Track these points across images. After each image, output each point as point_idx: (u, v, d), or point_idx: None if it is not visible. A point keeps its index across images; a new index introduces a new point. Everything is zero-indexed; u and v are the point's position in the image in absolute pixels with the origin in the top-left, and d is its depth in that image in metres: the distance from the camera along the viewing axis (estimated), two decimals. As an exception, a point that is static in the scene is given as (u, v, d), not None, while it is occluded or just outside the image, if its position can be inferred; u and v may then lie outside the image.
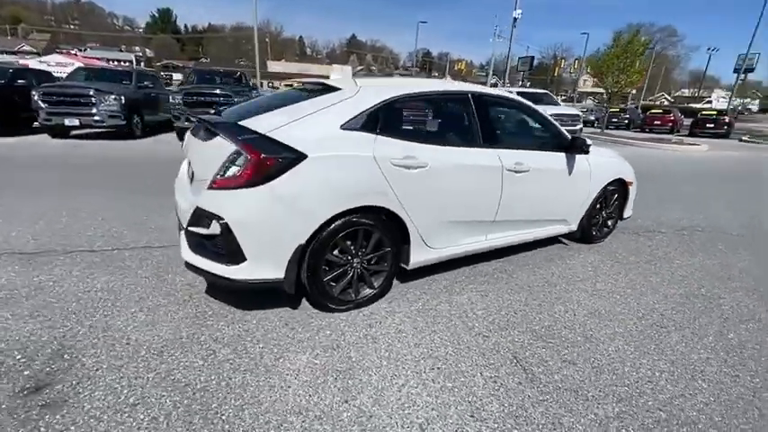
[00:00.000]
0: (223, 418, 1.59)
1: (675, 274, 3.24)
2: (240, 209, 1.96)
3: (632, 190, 3.89)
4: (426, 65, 79.29)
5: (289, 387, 1.78)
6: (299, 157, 2.00)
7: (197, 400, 1.67)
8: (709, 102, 35.85)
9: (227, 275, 2.05)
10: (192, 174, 2.40)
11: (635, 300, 2.78)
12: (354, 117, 2.24)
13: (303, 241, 2.09)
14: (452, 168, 2.52)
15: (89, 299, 2.38)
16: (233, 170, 1.98)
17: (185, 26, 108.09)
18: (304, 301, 2.46)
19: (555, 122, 3.28)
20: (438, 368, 1.96)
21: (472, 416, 1.68)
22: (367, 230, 2.30)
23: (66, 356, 1.88)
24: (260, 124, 2.07)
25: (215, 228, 2.02)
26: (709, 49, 38.62)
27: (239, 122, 2.11)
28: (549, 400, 1.79)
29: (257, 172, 1.94)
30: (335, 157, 2.11)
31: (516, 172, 2.83)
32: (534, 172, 2.93)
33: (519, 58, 37.33)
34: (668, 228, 4.51)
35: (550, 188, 3.16)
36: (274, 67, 53.15)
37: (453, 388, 1.83)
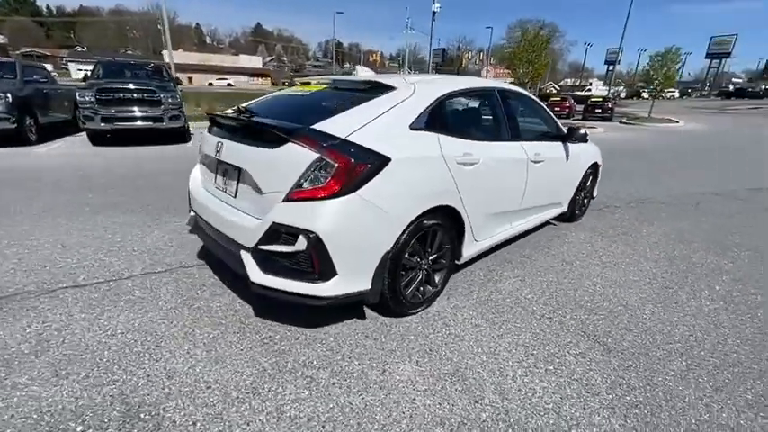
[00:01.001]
0: (373, 445, 1.50)
1: (650, 241, 3.80)
2: (332, 220, 1.81)
3: (599, 172, 4.43)
4: (339, 56, 78.54)
5: (414, 399, 1.73)
6: (384, 161, 1.91)
7: (333, 433, 1.53)
8: (589, 90, 41.72)
9: (315, 294, 1.89)
10: (238, 186, 2.14)
11: (636, 267, 3.21)
12: (418, 116, 2.20)
13: (389, 247, 2.01)
14: (495, 163, 2.63)
15: (121, 343, 1.99)
16: (318, 179, 1.81)
17: (47, 7, 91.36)
18: (367, 309, 2.37)
19: (552, 114, 3.57)
20: (533, 354, 2.06)
21: (588, 391, 1.81)
22: (434, 230, 2.29)
23: (144, 416, 1.57)
24: (335, 128, 1.92)
25: (300, 244, 1.84)
26: (585, 44, 45.00)
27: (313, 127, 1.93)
28: (634, 365, 2.01)
29: (348, 180, 1.81)
30: (412, 158, 2.06)
31: (536, 162, 3.04)
32: (547, 161, 3.17)
33: (433, 49, 39.10)
34: (620, 202, 5.23)
35: (557, 175, 3.46)
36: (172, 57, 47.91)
37: (556, 370, 1.95)
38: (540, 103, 3.48)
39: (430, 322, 2.30)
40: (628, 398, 1.79)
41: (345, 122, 1.98)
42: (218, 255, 2.36)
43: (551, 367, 1.97)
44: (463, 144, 2.38)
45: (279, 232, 1.87)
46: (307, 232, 1.81)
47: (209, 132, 2.50)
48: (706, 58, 35.17)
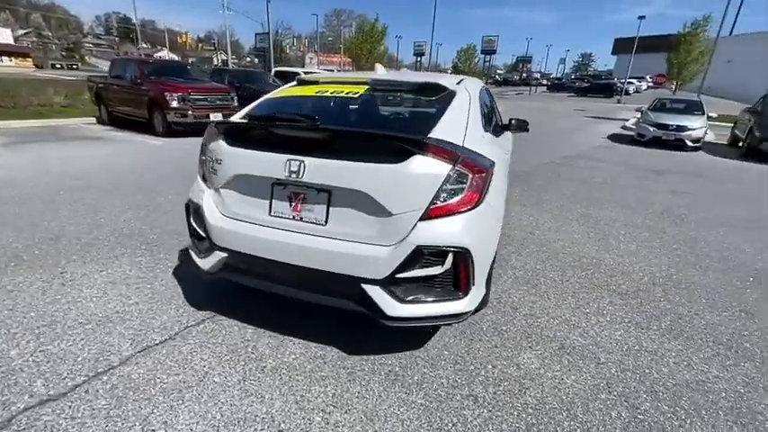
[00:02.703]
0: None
1: (615, 191, 4.87)
2: (477, 232, 1.78)
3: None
4: (132, 34, 64.70)
5: (555, 376, 1.93)
6: (493, 164, 1.95)
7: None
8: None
9: (457, 312, 1.83)
10: (329, 210, 1.80)
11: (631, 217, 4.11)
12: (482, 118, 2.28)
13: (496, 247, 2.08)
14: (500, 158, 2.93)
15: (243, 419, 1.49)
16: (455, 192, 1.73)
17: None
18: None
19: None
20: (662, 328, 2.45)
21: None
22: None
23: None
24: (450, 137, 1.84)
25: (448, 263, 1.73)
26: (396, 36, 50.44)
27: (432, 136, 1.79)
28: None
29: (482, 188, 1.79)
30: (498, 160, 2.15)
31: (507, 153, 3.48)
32: (509, 152, 3.68)
33: (256, 34, 36.61)
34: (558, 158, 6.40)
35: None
36: None
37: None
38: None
39: (515, 317, 2.47)
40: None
41: (452, 130, 1.92)
42: (295, 297, 1.95)
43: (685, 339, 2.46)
44: (497, 141, 2.58)
45: (422, 255, 1.71)
46: (457, 249, 1.72)
47: (241, 146, 1.96)
48: (481, 53, 44.30)
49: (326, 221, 1.84)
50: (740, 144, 11.26)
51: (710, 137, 12.15)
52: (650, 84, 41.12)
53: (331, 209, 1.83)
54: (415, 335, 2.18)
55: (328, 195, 1.82)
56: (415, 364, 2.01)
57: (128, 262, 2.94)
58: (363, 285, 1.76)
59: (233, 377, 1.86)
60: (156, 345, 2.06)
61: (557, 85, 47.30)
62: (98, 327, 2.17)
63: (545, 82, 54.58)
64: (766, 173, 8.11)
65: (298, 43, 55.73)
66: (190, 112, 8.95)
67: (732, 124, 12.83)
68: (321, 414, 1.68)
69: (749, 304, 2.77)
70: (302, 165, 1.79)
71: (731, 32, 22.30)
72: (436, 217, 1.72)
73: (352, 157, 1.78)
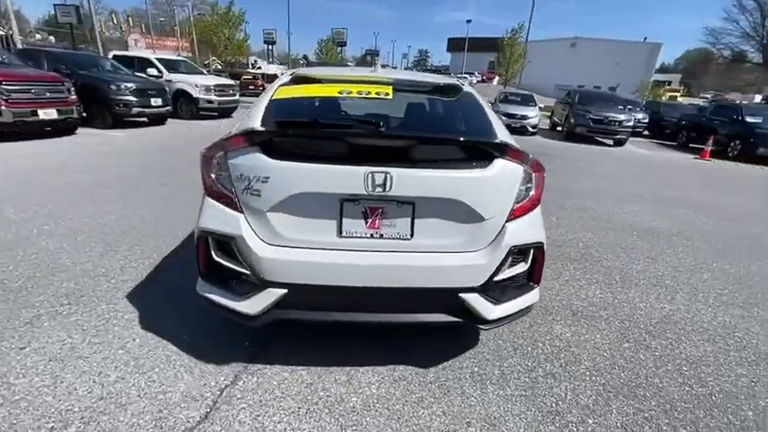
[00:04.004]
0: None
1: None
2: (543, 227, 1.92)
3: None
4: None
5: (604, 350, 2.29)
6: None
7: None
8: (260, 67, 44.48)
9: (533, 302, 1.95)
10: (414, 223, 1.70)
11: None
12: None
13: None
14: None
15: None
16: (527, 192, 1.84)
17: None
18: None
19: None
20: (616, 281, 2.98)
21: None
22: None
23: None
24: (505, 136, 1.93)
25: (528, 259, 1.85)
26: (245, 22, 47.09)
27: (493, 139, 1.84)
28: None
29: (543, 185, 1.94)
30: None
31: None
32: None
33: (55, 5, 28.74)
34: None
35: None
36: None
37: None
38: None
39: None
40: (621, 278, 3.08)
41: (502, 130, 2.00)
42: (376, 321, 1.77)
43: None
44: None
45: (512, 255, 1.77)
46: (536, 244, 1.84)
47: (295, 160, 1.64)
48: (337, 45, 45.35)
49: (412, 235, 1.71)
50: (559, 129, 14.54)
51: (544, 124, 15.22)
52: (479, 79, 48.73)
53: (416, 221, 1.71)
54: (450, 330, 2.23)
55: (412, 207, 1.70)
56: (485, 360, 2.08)
57: (56, 326, 2.11)
58: (461, 295, 1.73)
59: (330, 427, 1.60)
60: (199, 423, 1.59)
61: (406, 79, 51.52)
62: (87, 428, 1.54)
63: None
64: (591, 150, 10.74)
65: (116, 21, 46.34)
66: (3, 108, 6.64)
67: (549, 113, 16.42)
68: (448, 436, 1.61)
69: (649, 251, 3.73)
70: (388, 177, 1.61)
71: (527, 39, 28.18)
72: (518, 217, 1.80)
73: (435, 164, 1.70)
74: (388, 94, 2.10)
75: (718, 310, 2.74)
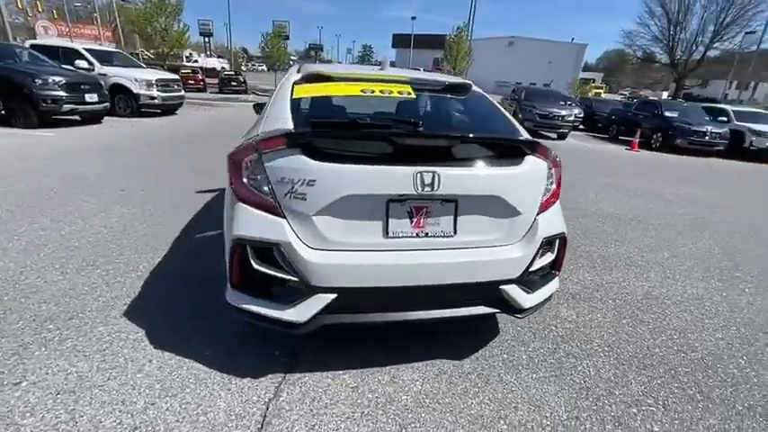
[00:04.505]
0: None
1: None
2: (563, 220, 2.05)
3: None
4: None
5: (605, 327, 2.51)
6: None
7: (638, 356, 2.13)
8: (197, 61, 41.55)
9: (556, 289, 2.09)
10: (456, 220, 1.75)
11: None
12: None
13: None
14: None
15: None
16: (550, 186, 1.96)
17: None
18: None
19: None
20: (595, 261, 3.21)
21: None
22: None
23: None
24: (524, 135, 2.04)
25: (555, 248, 1.98)
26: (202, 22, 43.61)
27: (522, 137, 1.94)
28: (573, 248, 3.64)
29: (561, 179, 2.07)
30: None
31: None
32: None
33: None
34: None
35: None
36: None
37: (575, 266, 3.24)
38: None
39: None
40: (602, 261, 3.38)
41: (522, 129, 2.10)
42: (421, 319, 1.78)
43: (573, 266, 3.23)
44: None
45: (543, 245, 1.88)
46: (561, 235, 1.98)
47: (341, 161, 1.60)
48: (282, 39, 44.03)
49: (455, 232, 1.75)
50: (507, 123, 15.36)
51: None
52: (425, 75, 49.76)
53: (458, 218, 1.75)
54: (463, 323, 2.31)
55: (455, 205, 1.74)
56: (511, 347, 2.19)
57: (51, 354, 1.88)
58: (502, 287, 1.80)
59: (388, 427, 1.60)
60: (255, 439, 1.51)
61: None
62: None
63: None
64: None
65: (20, 4, 41.00)
66: None
67: (497, 109, 17.27)
68: (502, 421, 1.68)
69: (615, 235, 4.11)
70: (436, 176, 1.64)
71: (470, 38, 29.46)
72: (545, 210, 1.92)
73: (476, 162, 1.75)
74: (410, 93, 2.11)
75: (686, 285, 3.12)
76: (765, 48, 28.92)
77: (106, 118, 9.40)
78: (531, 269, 1.86)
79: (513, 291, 1.83)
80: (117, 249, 3.00)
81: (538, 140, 1.91)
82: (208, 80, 25.09)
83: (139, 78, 10.40)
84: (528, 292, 1.89)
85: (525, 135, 2.02)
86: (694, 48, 33.02)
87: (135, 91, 10.29)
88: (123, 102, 10.35)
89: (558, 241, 1.99)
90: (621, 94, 50.45)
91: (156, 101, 10.71)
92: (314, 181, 1.58)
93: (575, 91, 31.24)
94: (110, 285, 2.51)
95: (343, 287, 1.64)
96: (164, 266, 2.81)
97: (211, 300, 2.39)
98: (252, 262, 1.65)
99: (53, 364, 1.83)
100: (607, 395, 1.88)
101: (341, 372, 1.90)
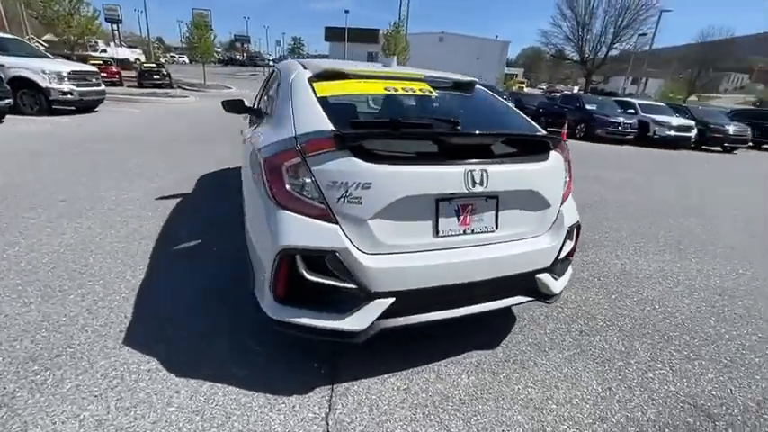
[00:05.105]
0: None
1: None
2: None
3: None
4: None
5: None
6: None
7: None
8: (105, 51, 36.97)
9: (572, 274, 2.25)
10: (498, 215, 1.81)
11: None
12: None
13: None
14: None
15: None
16: (566, 177, 2.10)
17: None
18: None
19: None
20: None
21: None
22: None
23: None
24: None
25: (572, 235, 2.12)
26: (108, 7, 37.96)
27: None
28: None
29: (572, 171, 2.22)
30: None
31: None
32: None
33: None
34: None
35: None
36: None
37: None
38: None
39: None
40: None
41: (526, 122, 2.22)
42: (468, 314, 1.82)
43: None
44: None
45: (568, 234, 2.02)
46: (577, 225, 2.13)
47: (395, 163, 1.57)
48: (194, 29, 40.78)
49: (497, 227, 1.81)
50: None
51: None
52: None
53: (499, 213, 1.81)
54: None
55: (496, 201, 1.79)
56: (531, 331, 2.32)
57: (50, 400, 1.60)
58: (537, 276, 1.90)
59: (453, 423, 1.62)
60: (326, 458, 1.44)
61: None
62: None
63: (271, 63, 55.79)
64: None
65: None
66: None
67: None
68: (550, 401, 1.79)
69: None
70: (484, 174, 1.67)
71: (406, 32, 30.16)
72: (565, 201, 2.05)
73: (513, 159, 1.81)
74: (431, 91, 2.12)
75: (649, 260, 3.54)
76: (656, 48, 33.46)
77: (8, 117, 8.04)
78: (560, 257, 1.99)
79: (546, 278, 1.94)
80: (84, 270, 2.62)
81: (557, 136, 2.04)
82: (126, 73, 22.56)
83: (48, 70, 9.00)
84: (556, 279, 2.01)
85: (542, 131, 2.14)
86: (599, 47, 37.04)
87: (44, 85, 8.88)
88: (30, 98, 8.90)
89: (575, 230, 2.14)
90: (540, 89, 55.05)
91: (70, 96, 9.33)
92: (369, 184, 1.53)
93: (502, 85, 33.42)
94: (92, 312, 2.19)
95: (400, 290, 1.62)
96: (149, 284, 2.51)
97: (222, 316, 2.21)
98: (303, 272, 1.55)
99: (57, 411, 1.56)
100: (625, 365, 2.08)
101: (386, 375, 1.88)
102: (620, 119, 13.61)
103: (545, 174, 1.91)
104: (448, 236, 1.71)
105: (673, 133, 13.63)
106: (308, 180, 1.55)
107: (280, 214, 1.56)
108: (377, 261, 1.58)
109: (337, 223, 1.55)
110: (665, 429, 1.69)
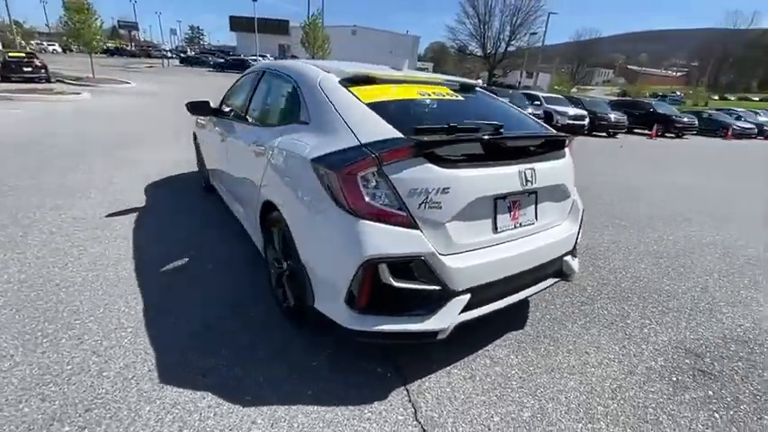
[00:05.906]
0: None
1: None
2: None
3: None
4: None
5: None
6: None
7: None
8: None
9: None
10: (537, 208, 2.02)
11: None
12: None
13: None
14: None
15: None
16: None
17: None
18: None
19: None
20: None
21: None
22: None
23: (677, 371, 2.05)
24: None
25: (582, 219, 2.42)
26: None
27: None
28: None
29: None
30: None
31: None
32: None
33: None
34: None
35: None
36: None
37: None
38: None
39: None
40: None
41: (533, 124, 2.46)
42: (519, 300, 1.99)
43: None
44: None
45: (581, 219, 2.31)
46: (583, 209, 2.43)
47: (467, 166, 1.66)
48: (92, 13, 35.12)
49: (536, 218, 2.00)
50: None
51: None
52: (274, 62, 47.21)
53: (538, 206, 2.00)
54: None
55: (536, 195, 1.97)
56: (547, 308, 2.59)
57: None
58: (565, 258, 2.15)
59: (525, 399, 1.78)
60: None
61: (191, 59, 44.97)
62: None
63: (170, 54, 50.18)
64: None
65: None
66: None
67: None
68: (587, 366, 2.05)
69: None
70: (533, 172, 1.85)
71: (323, 25, 29.63)
72: (573, 190, 2.34)
73: (547, 157, 2.02)
74: (456, 95, 2.23)
75: (603, 234, 4.14)
76: (547, 44, 37.83)
77: None
78: (578, 239, 2.28)
79: (570, 260, 2.21)
80: (60, 307, 2.22)
81: (567, 135, 2.31)
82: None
83: None
84: (574, 258, 2.30)
85: (550, 128, 2.39)
86: (499, 44, 40.69)
87: None
88: None
89: (582, 213, 2.45)
90: (449, 82, 58.47)
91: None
92: (448, 189, 1.59)
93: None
94: (102, 354, 1.89)
95: (474, 286, 1.72)
96: (157, 312, 2.23)
97: (260, 334, 2.09)
98: (389, 280, 1.56)
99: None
100: (625, 326, 2.47)
101: (448, 368, 1.97)
102: (530, 110, 15.24)
103: (566, 168, 2.17)
104: (504, 231, 1.86)
105: (570, 122, 15.69)
106: (387, 189, 1.55)
107: (360, 225, 1.54)
108: (455, 261, 1.65)
109: (419, 228, 1.59)
110: (675, 371, 2.08)
